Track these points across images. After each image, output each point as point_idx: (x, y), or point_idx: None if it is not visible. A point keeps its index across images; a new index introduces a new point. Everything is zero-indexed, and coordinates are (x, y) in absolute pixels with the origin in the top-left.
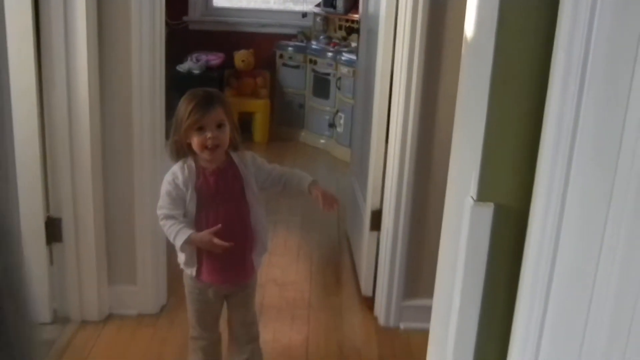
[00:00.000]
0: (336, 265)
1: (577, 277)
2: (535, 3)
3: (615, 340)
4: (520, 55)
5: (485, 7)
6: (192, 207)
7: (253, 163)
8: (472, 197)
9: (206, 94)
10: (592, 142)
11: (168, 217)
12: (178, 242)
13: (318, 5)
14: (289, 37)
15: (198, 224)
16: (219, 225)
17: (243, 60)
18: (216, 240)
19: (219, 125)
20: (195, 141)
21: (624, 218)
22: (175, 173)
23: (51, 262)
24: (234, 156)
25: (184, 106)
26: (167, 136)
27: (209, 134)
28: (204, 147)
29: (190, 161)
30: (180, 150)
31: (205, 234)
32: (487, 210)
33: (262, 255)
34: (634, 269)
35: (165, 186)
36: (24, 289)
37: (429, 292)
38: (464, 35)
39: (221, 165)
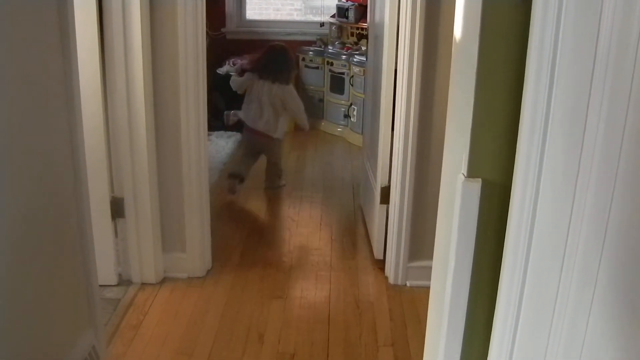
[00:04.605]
0: (352, 233)
1: (551, 240)
2: (511, 12)
3: (582, 288)
4: (500, 55)
5: (471, 16)
6: None
7: None
8: (463, 174)
9: None
10: (561, 128)
11: None
12: None
13: (333, 16)
14: (310, 43)
15: None
16: None
17: None
18: None
19: None
20: None
21: (589, 190)
22: None
23: (116, 234)
24: None
25: None
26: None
27: None
28: None
29: None
30: None
31: None
32: (476, 185)
33: None
34: (598, 230)
35: None
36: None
37: (429, 255)
38: (453, 39)
39: None
